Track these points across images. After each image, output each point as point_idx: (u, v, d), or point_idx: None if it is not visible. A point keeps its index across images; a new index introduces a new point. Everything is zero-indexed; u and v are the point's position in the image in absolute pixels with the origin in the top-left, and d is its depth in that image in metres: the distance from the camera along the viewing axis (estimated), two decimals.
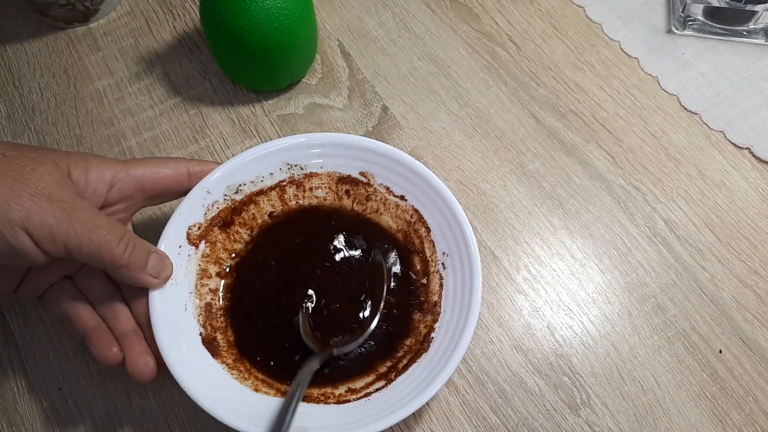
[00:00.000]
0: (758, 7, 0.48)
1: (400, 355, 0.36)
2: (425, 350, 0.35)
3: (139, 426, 0.38)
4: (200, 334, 0.36)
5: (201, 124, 0.47)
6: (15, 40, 0.51)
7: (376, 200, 0.40)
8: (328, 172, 0.40)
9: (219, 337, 0.36)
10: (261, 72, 0.45)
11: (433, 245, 0.38)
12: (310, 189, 0.41)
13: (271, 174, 0.40)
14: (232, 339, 0.37)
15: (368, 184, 0.40)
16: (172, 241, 0.37)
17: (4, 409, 0.38)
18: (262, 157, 0.39)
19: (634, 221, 0.44)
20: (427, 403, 0.37)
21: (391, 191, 0.40)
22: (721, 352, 0.39)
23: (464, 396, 0.38)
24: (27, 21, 0.52)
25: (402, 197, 0.39)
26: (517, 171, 0.46)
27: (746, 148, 0.46)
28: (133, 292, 0.35)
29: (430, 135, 0.47)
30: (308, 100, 0.48)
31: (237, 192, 0.39)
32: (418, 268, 0.39)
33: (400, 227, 0.40)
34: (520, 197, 0.45)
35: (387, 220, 0.40)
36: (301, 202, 0.41)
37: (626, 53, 0.51)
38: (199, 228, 0.38)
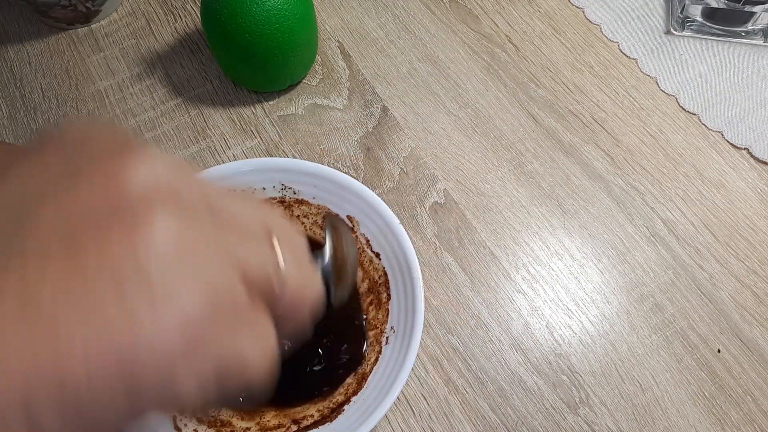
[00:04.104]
0: (756, 8, 0.48)
1: (336, 401, 0.35)
2: (333, 419, 0.33)
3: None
4: None
5: (202, 125, 0.48)
6: (16, 41, 0.52)
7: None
8: (318, 205, 0.39)
9: None
10: (262, 73, 0.46)
11: (387, 315, 0.36)
12: (297, 216, 0.39)
13: (264, 189, 0.39)
14: None
15: (352, 230, 0.38)
16: None
17: None
18: (260, 171, 0.38)
19: (633, 221, 0.44)
20: (426, 402, 0.38)
21: (370, 244, 0.38)
22: (719, 351, 0.39)
23: (464, 395, 0.38)
24: (28, 22, 0.52)
25: (377, 255, 0.38)
26: (516, 171, 0.46)
27: (744, 149, 0.47)
28: None
29: (429, 135, 0.47)
30: (309, 101, 0.49)
31: None
32: (365, 334, 0.37)
33: (367, 283, 0.38)
34: (519, 197, 0.45)
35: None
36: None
37: (625, 54, 0.51)
38: None
